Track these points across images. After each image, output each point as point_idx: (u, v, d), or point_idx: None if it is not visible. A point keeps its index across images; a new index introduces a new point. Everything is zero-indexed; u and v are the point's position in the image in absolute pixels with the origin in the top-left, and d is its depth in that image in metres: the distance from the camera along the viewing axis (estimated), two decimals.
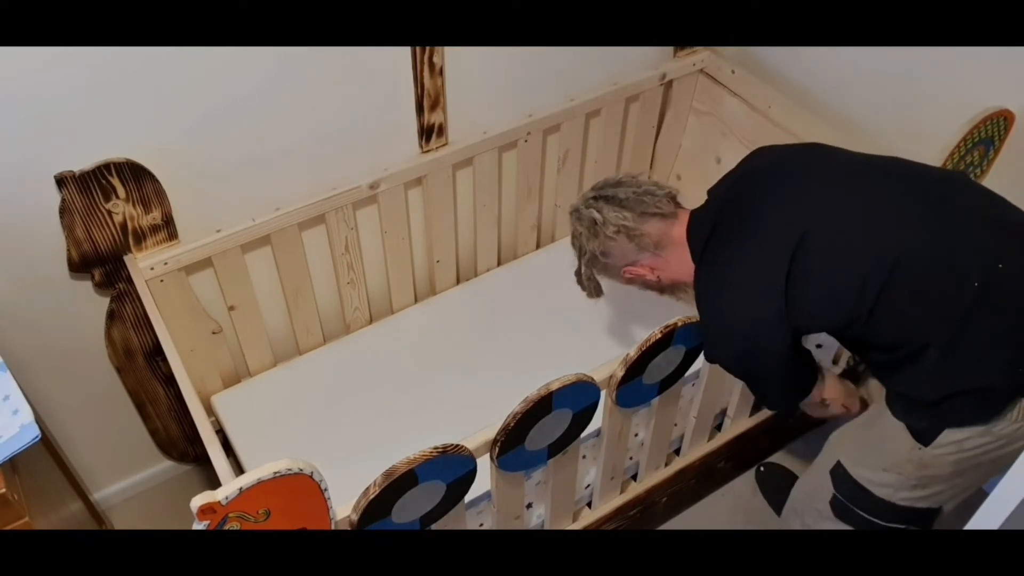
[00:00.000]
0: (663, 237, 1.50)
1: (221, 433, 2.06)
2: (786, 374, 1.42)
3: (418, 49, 1.72)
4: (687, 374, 1.56)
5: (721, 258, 1.39)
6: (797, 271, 1.29)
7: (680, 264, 1.49)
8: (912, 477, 1.39)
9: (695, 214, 1.49)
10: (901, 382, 1.34)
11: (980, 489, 2.06)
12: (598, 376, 1.39)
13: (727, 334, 1.38)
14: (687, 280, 1.49)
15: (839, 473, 1.49)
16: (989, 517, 0.96)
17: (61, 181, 1.47)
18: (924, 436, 1.33)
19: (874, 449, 1.44)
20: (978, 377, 1.25)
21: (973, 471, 1.36)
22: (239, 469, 1.87)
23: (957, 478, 1.38)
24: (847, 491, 1.49)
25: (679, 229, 1.49)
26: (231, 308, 1.84)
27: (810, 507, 1.60)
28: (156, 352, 1.80)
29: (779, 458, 2.17)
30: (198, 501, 1.05)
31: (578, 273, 1.64)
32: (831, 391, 1.57)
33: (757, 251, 1.34)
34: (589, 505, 1.78)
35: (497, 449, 1.33)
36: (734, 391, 1.83)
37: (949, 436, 1.31)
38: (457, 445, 1.25)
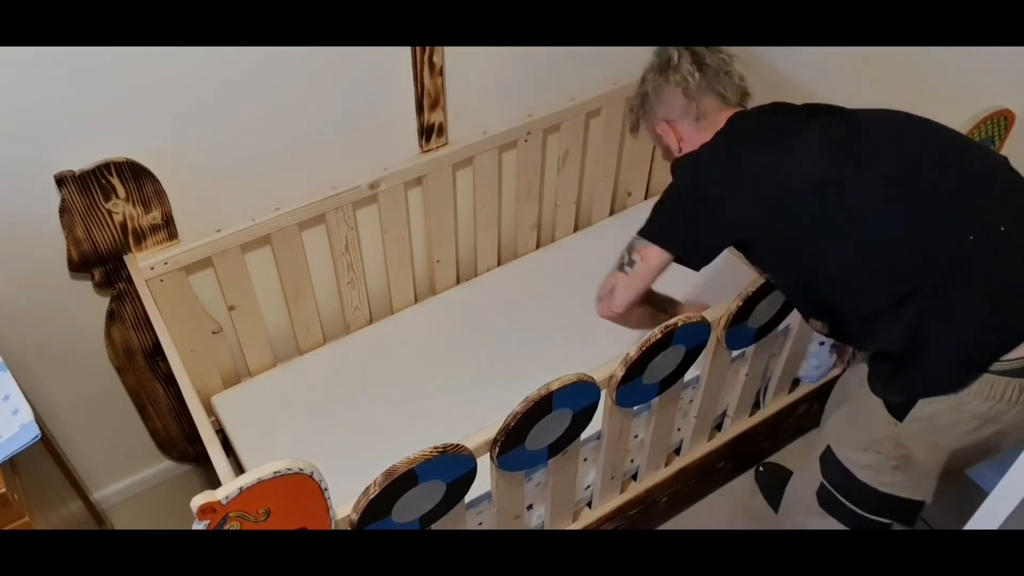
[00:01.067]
0: (708, 116, 1.53)
1: (221, 433, 2.06)
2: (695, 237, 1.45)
3: (418, 49, 1.72)
4: (687, 374, 1.57)
5: (728, 149, 1.45)
6: (779, 211, 1.36)
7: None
8: (891, 457, 1.41)
9: (739, 115, 1.52)
10: (878, 353, 1.38)
11: (980, 489, 2.07)
12: (598, 376, 1.39)
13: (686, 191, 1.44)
14: None
15: (827, 458, 1.51)
16: (989, 517, 0.96)
17: (61, 181, 1.47)
18: (898, 411, 1.36)
19: (857, 428, 1.46)
20: (946, 347, 1.28)
21: (949, 457, 1.38)
22: (239, 469, 1.87)
23: (934, 466, 1.40)
24: (833, 476, 1.50)
25: (723, 119, 1.52)
26: (231, 308, 1.84)
27: (800, 502, 1.61)
28: (156, 352, 1.80)
29: (779, 458, 2.17)
30: (198, 501, 1.05)
31: (630, 99, 1.69)
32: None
33: (756, 167, 1.39)
34: (589, 505, 1.78)
35: (497, 449, 1.33)
36: (734, 391, 1.83)
37: (921, 411, 1.33)
38: (457, 445, 1.25)
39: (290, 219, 1.77)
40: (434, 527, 1.36)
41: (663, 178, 2.45)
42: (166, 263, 1.65)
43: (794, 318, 1.74)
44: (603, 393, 1.44)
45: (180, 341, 1.58)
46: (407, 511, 1.27)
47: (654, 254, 1.44)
